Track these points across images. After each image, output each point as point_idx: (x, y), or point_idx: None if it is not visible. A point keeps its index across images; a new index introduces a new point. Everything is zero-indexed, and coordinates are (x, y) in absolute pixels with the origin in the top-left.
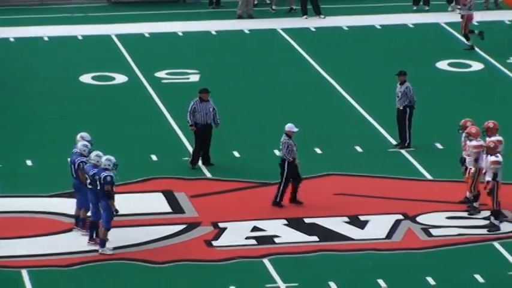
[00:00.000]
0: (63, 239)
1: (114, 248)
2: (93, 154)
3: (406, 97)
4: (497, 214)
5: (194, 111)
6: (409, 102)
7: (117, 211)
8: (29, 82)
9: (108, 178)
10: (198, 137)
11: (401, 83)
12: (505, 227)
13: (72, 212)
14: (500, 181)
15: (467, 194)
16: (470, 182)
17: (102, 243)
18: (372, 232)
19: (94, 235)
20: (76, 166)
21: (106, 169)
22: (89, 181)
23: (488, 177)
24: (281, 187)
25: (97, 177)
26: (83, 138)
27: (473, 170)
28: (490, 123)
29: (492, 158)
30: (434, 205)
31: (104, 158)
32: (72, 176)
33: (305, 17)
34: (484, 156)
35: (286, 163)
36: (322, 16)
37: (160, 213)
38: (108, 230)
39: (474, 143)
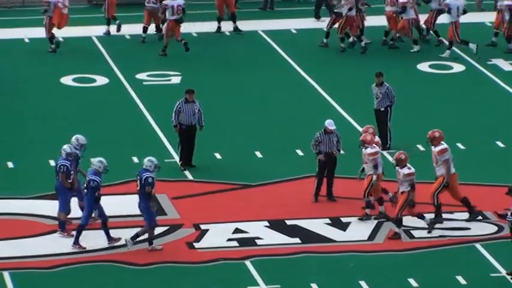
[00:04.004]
0: (45, 241)
1: (96, 250)
2: (95, 160)
3: (388, 98)
4: (399, 222)
5: (179, 112)
6: (390, 102)
7: (157, 211)
8: (10, 83)
9: (149, 179)
10: (182, 138)
11: (379, 84)
12: (486, 228)
13: (55, 214)
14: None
15: (390, 194)
16: (365, 188)
17: (150, 242)
18: (354, 234)
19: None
20: (57, 168)
21: (147, 170)
22: (85, 185)
23: (403, 188)
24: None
25: (138, 177)
26: (77, 140)
27: (374, 177)
28: (436, 133)
29: (405, 171)
30: (415, 207)
31: (146, 159)
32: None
33: (321, 19)
34: (397, 169)
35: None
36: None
37: (141, 215)
38: (153, 228)
39: (369, 150)
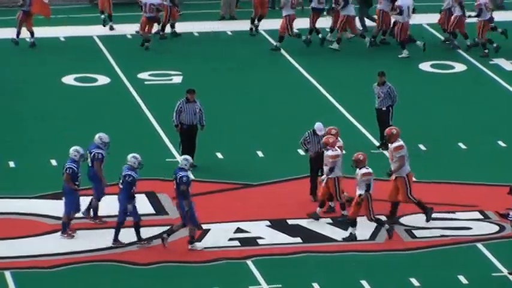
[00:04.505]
0: (46, 241)
1: (97, 250)
2: (129, 156)
3: (390, 98)
4: (380, 223)
5: (180, 112)
6: (392, 102)
7: (187, 211)
8: (11, 83)
9: (184, 178)
10: (183, 138)
11: (381, 84)
12: (488, 228)
13: (56, 213)
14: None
15: (331, 204)
16: (334, 191)
17: (192, 240)
18: (355, 233)
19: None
20: (64, 170)
21: (182, 169)
22: (121, 181)
23: (360, 191)
24: None
25: (174, 176)
26: (100, 138)
27: (324, 177)
28: (394, 130)
29: (363, 170)
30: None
31: (182, 157)
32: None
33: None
34: (357, 169)
35: None
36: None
37: (143, 215)
38: (184, 226)
39: (330, 152)
